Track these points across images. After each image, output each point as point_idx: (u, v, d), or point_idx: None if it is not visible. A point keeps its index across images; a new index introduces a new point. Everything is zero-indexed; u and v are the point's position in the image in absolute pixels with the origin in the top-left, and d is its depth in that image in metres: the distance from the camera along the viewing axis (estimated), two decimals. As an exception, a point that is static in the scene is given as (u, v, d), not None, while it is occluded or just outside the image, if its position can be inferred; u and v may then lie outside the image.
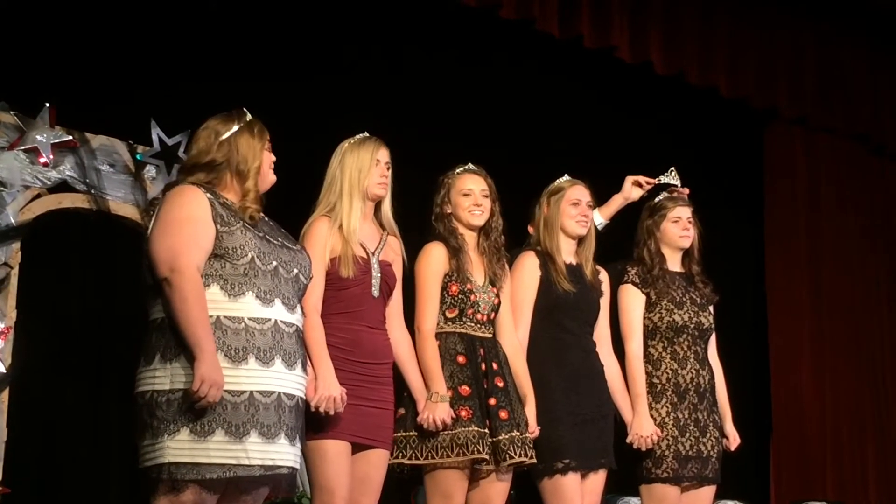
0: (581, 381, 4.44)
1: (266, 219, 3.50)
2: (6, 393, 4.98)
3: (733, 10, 6.95)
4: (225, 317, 3.24)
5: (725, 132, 7.13)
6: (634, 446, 4.57)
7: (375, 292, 3.96)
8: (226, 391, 3.17)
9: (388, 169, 4.05)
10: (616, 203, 4.77)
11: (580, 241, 4.59)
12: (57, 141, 4.98)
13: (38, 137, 4.94)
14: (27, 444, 4.81)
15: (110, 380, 4.78)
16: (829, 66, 7.38)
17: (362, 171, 3.99)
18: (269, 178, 3.50)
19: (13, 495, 4.79)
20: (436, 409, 4.01)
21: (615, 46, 6.34)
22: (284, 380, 3.31)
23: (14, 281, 4.86)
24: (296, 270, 3.42)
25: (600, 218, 4.68)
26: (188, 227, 3.26)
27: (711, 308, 4.84)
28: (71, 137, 5.02)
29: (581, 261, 4.58)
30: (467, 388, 4.10)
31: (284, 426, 3.28)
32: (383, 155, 4.04)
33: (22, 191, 4.93)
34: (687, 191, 4.89)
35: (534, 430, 4.24)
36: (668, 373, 4.68)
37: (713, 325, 4.83)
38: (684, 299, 4.74)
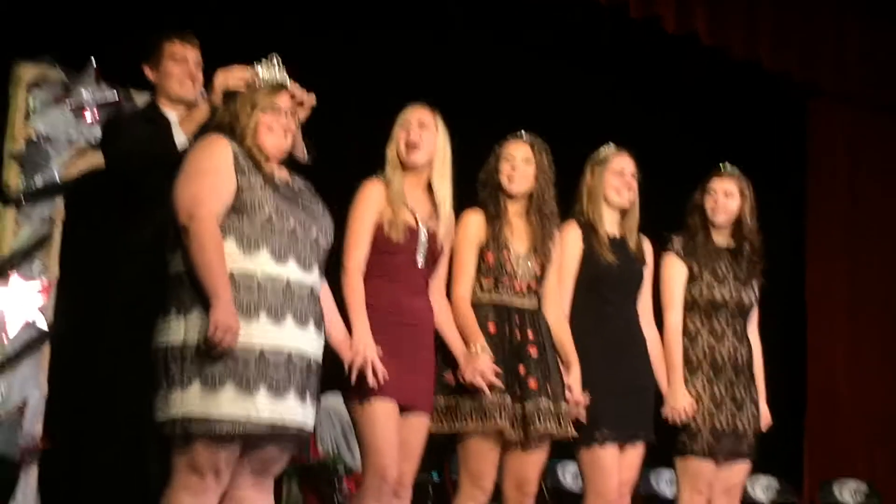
0: (622, 352, 4.42)
1: (290, 181, 3.47)
2: (47, 348, 5.02)
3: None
4: (239, 272, 3.23)
5: (769, 107, 7.08)
6: (669, 420, 4.55)
7: (420, 261, 3.96)
8: (237, 346, 3.17)
9: (422, 128, 3.98)
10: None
11: (624, 211, 4.56)
12: (102, 99, 4.99)
13: (83, 93, 4.95)
14: (67, 400, 4.84)
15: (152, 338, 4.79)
16: (872, 42, 7.34)
17: (392, 137, 4.00)
18: (268, 142, 3.39)
19: (53, 450, 4.85)
20: (477, 361, 3.99)
21: (660, 16, 6.30)
22: (296, 338, 3.29)
23: (57, 237, 4.89)
24: (315, 232, 3.40)
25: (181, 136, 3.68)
26: (210, 176, 3.26)
27: (756, 284, 4.81)
28: (115, 94, 5.03)
29: (625, 232, 4.55)
30: (492, 357, 4.08)
31: (294, 384, 3.27)
32: (411, 115, 4.00)
33: (66, 147, 4.95)
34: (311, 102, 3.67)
35: (579, 398, 4.23)
36: (704, 348, 4.65)
37: (754, 302, 4.80)
38: (727, 274, 4.71)
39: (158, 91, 3.95)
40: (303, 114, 3.59)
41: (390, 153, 4.00)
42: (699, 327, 4.68)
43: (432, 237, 3.99)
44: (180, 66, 3.89)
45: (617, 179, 4.51)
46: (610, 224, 4.53)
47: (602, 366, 4.36)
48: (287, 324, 3.27)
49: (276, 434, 3.25)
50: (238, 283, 3.22)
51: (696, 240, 4.73)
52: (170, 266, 3.31)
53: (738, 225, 4.78)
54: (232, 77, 3.48)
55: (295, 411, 3.27)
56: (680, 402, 4.53)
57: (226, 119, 3.42)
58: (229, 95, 3.45)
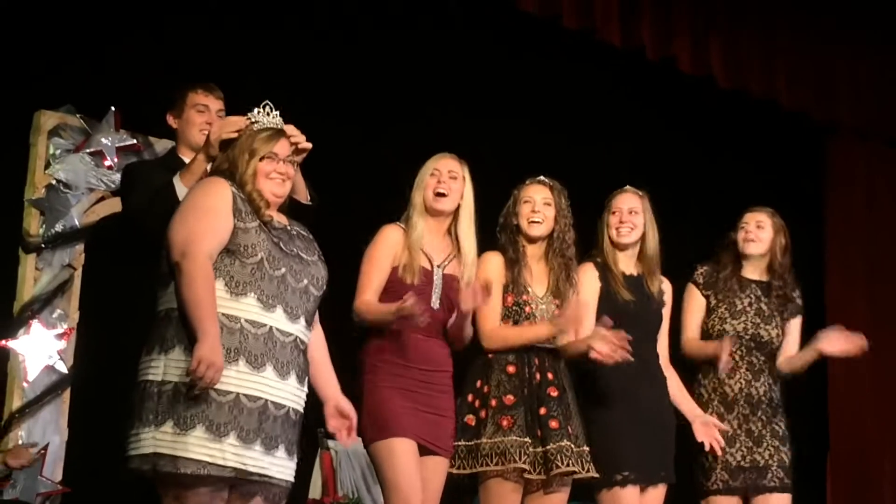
0: (641, 392, 4.41)
1: (288, 227, 3.46)
2: (67, 393, 5.04)
3: (793, 23, 6.93)
4: (223, 314, 3.22)
5: (787, 145, 7.09)
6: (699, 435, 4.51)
7: (435, 304, 3.98)
8: (212, 388, 3.15)
9: (451, 179, 4.05)
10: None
11: (641, 250, 4.56)
12: (121, 144, 5.04)
13: (103, 140, 5.01)
14: (88, 444, 4.85)
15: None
16: (889, 79, 7.33)
17: (420, 184, 4.05)
18: (267, 188, 3.39)
19: (73, 495, 4.84)
20: None
21: (676, 57, 6.33)
22: (274, 388, 3.27)
23: (77, 282, 4.92)
24: (306, 281, 3.38)
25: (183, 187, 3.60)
26: (207, 216, 3.27)
27: (788, 321, 4.78)
28: (135, 141, 5.08)
29: (643, 271, 4.55)
30: (512, 398, 4.10)
31: (262, 433, 3.24)
32: (441, 164, 4.06)
33: (86, 193, 4.99)
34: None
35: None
36: (714, 382, 4.65)
37: (777, 339, 4.76)
38: (747, 309, 4.71)
39: (179, 139, 3.99)
40: (300, 156, 3.56)
41: (417, 198, 4.05)
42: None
43: (448, 281, 4.01)
44: (202, 115, 3.94)
45: (614, 219, 4.52)
46: (625, 264, 4.53)
47: (622, 406, 4.35)
48: (266, 373, 3.25)
49: (240, 479, 3.22)
50: (221, 325, 3.21)
51: (721, 273, 4.74)
52: (157, 303, 3.30)
53: (770, 260, 4.79)
54: (226, 128, 3.49)
55: (259, 460, 3.23)
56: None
57: (224, 166, 3.42)
58: (227, 143, 3.46)
